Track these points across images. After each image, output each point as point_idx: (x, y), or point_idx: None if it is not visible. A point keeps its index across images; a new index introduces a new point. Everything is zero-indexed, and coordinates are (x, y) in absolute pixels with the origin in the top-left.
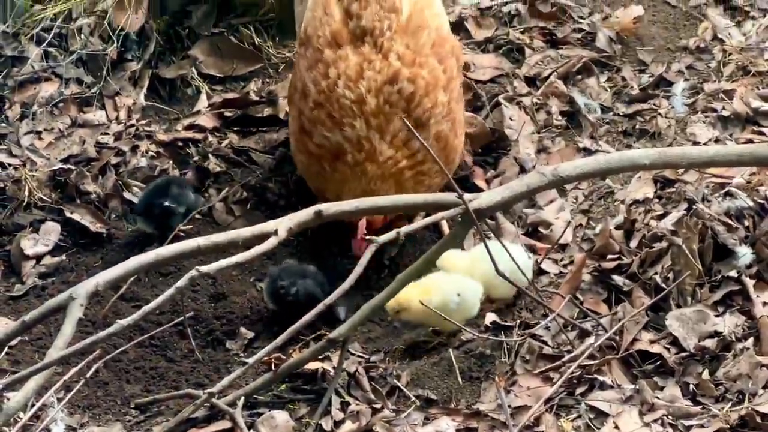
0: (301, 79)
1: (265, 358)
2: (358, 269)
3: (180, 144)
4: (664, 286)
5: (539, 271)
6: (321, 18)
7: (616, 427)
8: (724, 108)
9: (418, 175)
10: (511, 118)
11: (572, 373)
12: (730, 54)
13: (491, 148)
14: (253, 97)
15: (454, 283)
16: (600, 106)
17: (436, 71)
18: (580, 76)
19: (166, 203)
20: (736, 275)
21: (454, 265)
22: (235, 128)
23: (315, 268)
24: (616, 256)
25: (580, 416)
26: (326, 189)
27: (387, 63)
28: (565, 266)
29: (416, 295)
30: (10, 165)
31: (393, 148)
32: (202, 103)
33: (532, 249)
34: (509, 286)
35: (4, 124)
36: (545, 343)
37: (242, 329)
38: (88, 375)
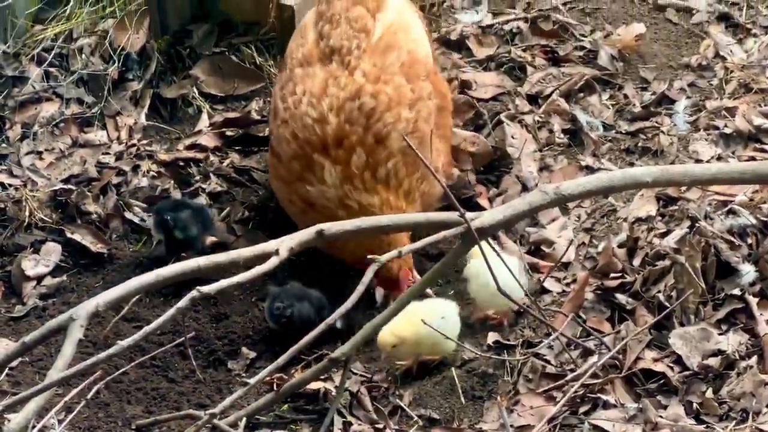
0: (273, 100)
1: (267, 378)
2: (360, 288)
3: (181, 164)
4: (667, 304)
5: (542, 290)
6: (298, 41)
7: None
8: (726, 125)
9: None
10: (513, 137)
11: (575, 392)
12: (732, 71)
13: (493, 166)
14: (255, 116)
15: (432, 308)
16: (602, 123)
17: (402, 89)
18: (582, 94)
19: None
20: (739, 293)
21: None
22: (237, 147)
23: (318, 291)
24: (619, 274)
25: None
26: (292, 215)
27: (351, 79)
28: (567, 285)
29: (405, 326)
30: (10, 185)
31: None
32: (204, 122)
33: (534, 268)
34: (504, 300)
35: (4, 145)
36: (548, 362)
37: (244, 349)
38: (88, 396)
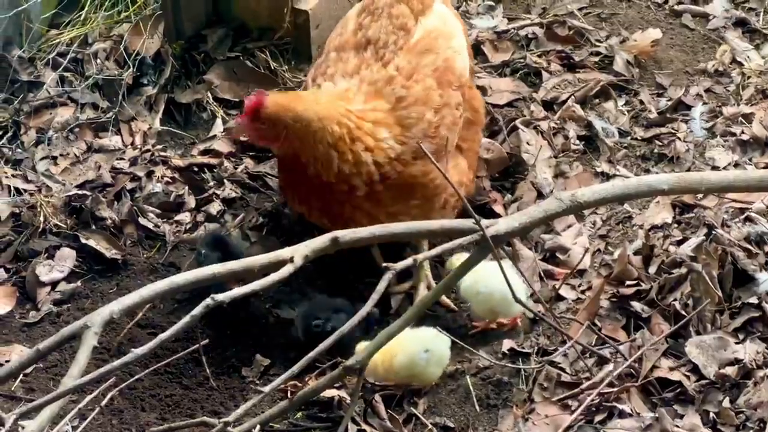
0: (305, 83)
1: (281, 386)
2: (375, 296)
3: (195, 169)
4: (683, 312)
5: (557, 297)
6: (337, 31)
7: None
8: (743, 132)
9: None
10: (528, 143)
11: (591, 400)
12: (749, 77)
13: (508, 173)
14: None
15: (420, 339)
16: (618, 130)
17: (431, 91)
18: (597, 100)
19: None
20: (756, 302)
21: None
22: (251, 153)
23: (342, 299)
24: (634, 282)
25: None
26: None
27: (384, 70)
28: (583, 292)
29: (380, 357)
30: (25, 191)
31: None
32: (218, 127)
33: (549, 275)
34: (510, 307)
35: (19, 150)
36: (563, 370)
37: (258, 357)
38: (103, 403)
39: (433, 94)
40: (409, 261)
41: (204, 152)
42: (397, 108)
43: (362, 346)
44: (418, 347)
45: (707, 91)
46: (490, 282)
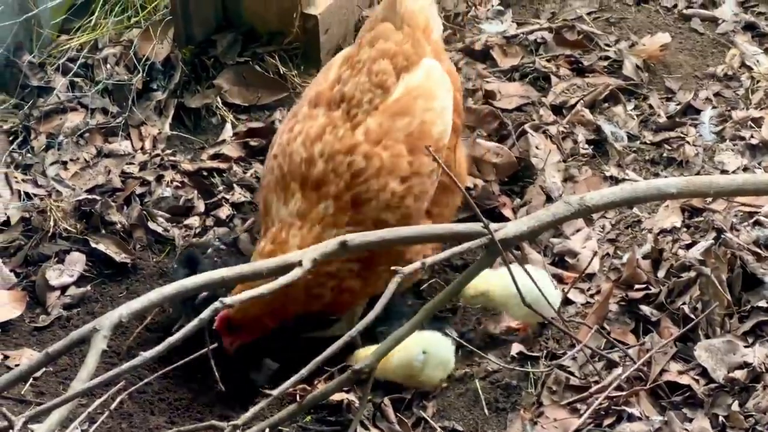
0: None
1: (290, 389)
2: (383, 300)
3: (205, 174)
4: (692, 316)
5: (566, 301)
6: (319, 78)
7: None
8: (752, 136)
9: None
10: (537, 147)
11: (600, 404)
12: (758, 81)
13: (517, 177)
14: (279, 126)
15: (419, 340)
16: (627, 134)
17: (398, 159)
18: (606, 104)
19: None
20: (765, 305)
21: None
22: (260, 158)
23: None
24: (643, 285)
25: None
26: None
27: (350, 134)
28: (592, 296)
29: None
30: (35, 195)
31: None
32: (227, 132)
33: (558, 278)
34: (527, 316)
35: (29, 155)
36: (572, 374)
37: (267, 360)
38: (112, 407)
39: (400, 162)
40: (417, 264)
41: (213, 157)
42: (353, 186)
43: (367, 351)
44: (416, 349)
45: (716, 95)
46: (526, 283)
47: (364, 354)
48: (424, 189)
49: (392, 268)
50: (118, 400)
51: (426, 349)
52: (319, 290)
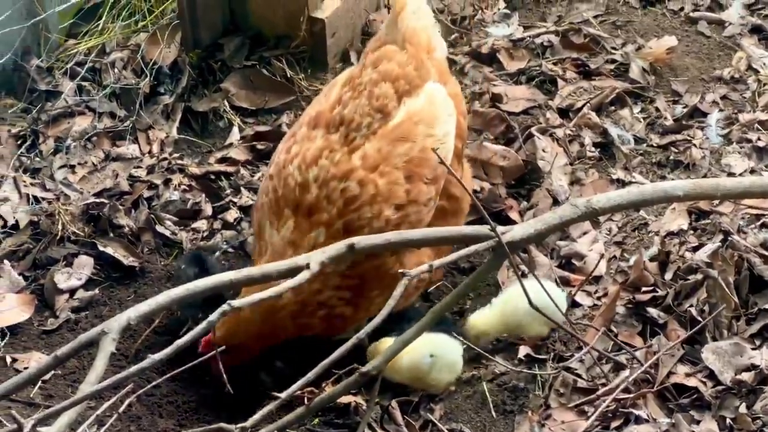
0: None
1: (298, 392)
2: (391, 302)
3: (212, 177)
4: (699, 318)
5: (573, 304)
6: (321, 96)
7: None
8: (759, 138)
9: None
10: (543, 150)
11: (607, 406)
12: (765, 84)
13: (524, 180)
14: (285, 129)
15: (427, 343)
16: (633, 137)
17: (395, 186)
18: (613, 107)
19: None
20: None
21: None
22: (267, 161)
23: None
24: (650, 288)
25: None
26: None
27: (347, 158)
28: (599, 298)
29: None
30: (43, 199)
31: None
32: (235, 136)
33: (565, 281)
34: (541, 325)
35: (38, 159)
36: (579, 376)
37: (276, 363)
38: (120, 409)
39: (397, 189)
40: (424, 267)
41: (221, 160)
42: (345, 213)
43: (383, 345)
44: (424, 351)
45: (723, 98)
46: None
47: (381, 348)
48: (420, 218)
49: (400, 271)
50: (126, 402)
51: (434, 352)
52: (307, 320)
